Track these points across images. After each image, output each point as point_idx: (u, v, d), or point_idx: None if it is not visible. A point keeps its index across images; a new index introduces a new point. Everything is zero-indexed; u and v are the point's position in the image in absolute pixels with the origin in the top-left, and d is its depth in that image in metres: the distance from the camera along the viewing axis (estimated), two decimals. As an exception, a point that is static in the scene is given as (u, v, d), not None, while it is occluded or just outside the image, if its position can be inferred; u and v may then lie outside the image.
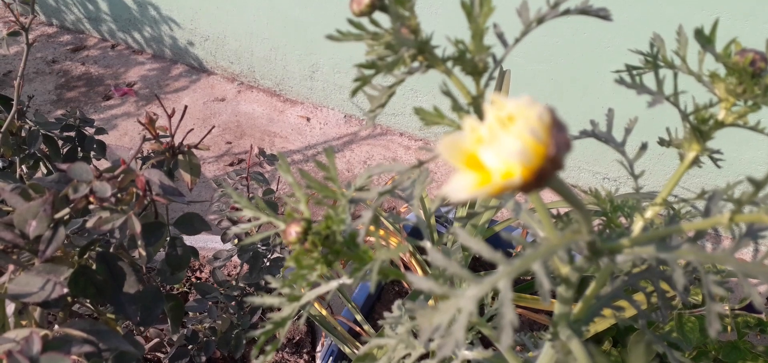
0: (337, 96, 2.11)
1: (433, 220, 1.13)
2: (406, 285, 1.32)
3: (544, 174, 0.21)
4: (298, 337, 1.34)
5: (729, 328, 0.95)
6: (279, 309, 0.42)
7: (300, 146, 2.02)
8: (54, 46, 2.54)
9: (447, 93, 0.33)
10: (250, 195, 1.06)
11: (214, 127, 0.83)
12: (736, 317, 0.96)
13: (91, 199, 0.47)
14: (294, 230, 0.38)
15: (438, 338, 0.30)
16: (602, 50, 1.47)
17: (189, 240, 1.31)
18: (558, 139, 0.21)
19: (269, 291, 1.03)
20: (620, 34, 1.42)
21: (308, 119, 2.14)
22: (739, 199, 0.28)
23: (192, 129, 0.68)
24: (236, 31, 2.15)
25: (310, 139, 2.05)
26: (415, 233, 1.30)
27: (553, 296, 0.58)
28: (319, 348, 1.27)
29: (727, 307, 0.95)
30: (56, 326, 0.52)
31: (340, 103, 2.13)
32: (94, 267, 0.56)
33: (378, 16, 0.36)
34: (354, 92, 0.36)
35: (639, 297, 0.91)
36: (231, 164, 1.95)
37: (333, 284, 0.42)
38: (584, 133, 0.45)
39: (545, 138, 0.21)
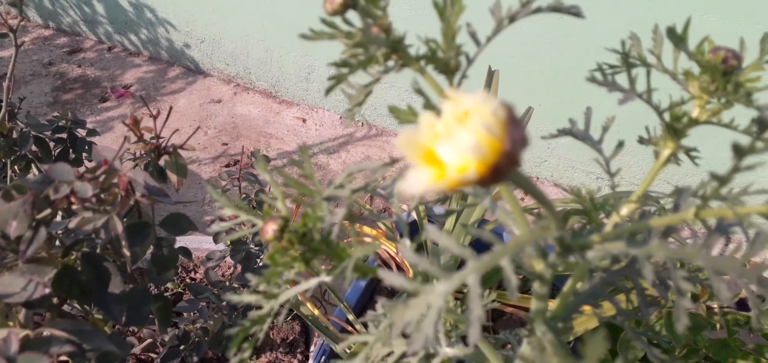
0: (332, 97, 2.11)
1: (424, 219, 1.13)
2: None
3: (500, 169, 0.21)
4: (291, 337, 1.34)
5: (718, 326, 0.95)
6: (259, 307, 0.42)
7: (296, 148, 2.02)
8: (50, 49, 2.54)
9: (419, 91, 0.34)
10: (243, 195, 1.06)
11: (199, 128, 0.83)
12: (725, 315, 0.96)
13: (73, 199, 0.47)
14: (271, 228, 0.39)
15: (411, 333, 0.30)
16: (593, 51, 1.47)
17: (183, 241, 1.32)
18: (514, 135, 0.21)
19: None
20: (611, 35, 1.42)
21: (304, 121, 2.14)
22: (704, 194, 0.28)
23: (178, 129, 0.68)
24: (232, 33, 2.15)
25: (306, 140, 2.05)
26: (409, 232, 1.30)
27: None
28: (312, 348, 1.28)
29: (716, 305, 0.95)
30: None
31: (335, 104, 2.13)
32: (79, 267, 0.56)
33: (353, 16, 0.36)
34: (328, 90, 0.36)
35: (621, 296, 0.91)
36: (227, 166, 1.95)
37: (312, 282, 0.42)
38: (562, 132, 0.45)
39: (500, 133, 0.21)
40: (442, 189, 0.22)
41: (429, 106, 0.35)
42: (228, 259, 1.09)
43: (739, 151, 0.24)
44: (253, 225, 0.45)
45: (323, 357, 1.11)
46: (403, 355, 0.51)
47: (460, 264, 1.21)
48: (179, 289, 1.42)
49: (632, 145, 1.62)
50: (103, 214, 0.49)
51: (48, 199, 0.47)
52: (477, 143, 0.21)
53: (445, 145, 0.21)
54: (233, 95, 2.27)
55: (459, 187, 0.22)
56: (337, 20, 0.35)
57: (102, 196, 0.50)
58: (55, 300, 0.57)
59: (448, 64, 0.34)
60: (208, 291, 1.00)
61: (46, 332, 0.49)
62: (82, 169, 0.53)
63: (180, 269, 1.47)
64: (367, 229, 1.29)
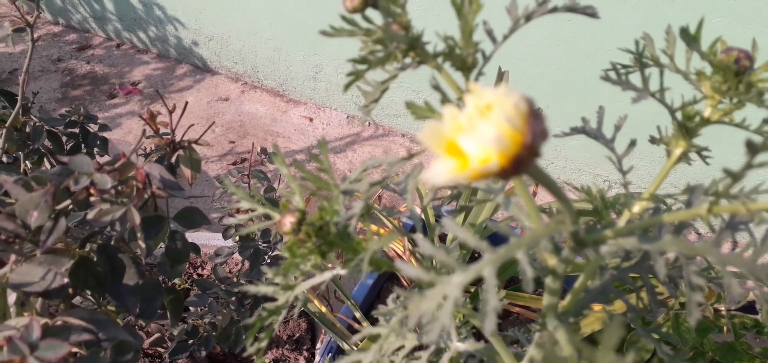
0: (340, 96, 2.12)
1: (432, 216, 1.14)
2: (405, 283, 1.33)
3: (521, 161, 0.22)
4: (298, 334, 1.35)
5: (725, 328, 0.95)
6: (274, 299, 0.43)
7: (303, 146, 2.03)
8: (60, 45, 2.56)
9: (436, 87, 0.34)
10: (251, 192, 1.07)
11: (213, 123, 0.84)
12: (732, 318, 0.96)
13: (92, 191, 0.48)
14: (288, 220, 0.39)
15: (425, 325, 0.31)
16: (604, 52, 1.48)
17: (191, 236, 1.33)
18: (534, 127, 0.22)
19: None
20: (619, 37, 1.43)
21: (311, 119, 2.15)
22: (717, 191, 0.29)
23: (192, 125, 0.69)
24: (240, 31, 2.17)
25: (312, 139, 2.06)
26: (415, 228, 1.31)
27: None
28: (318, 344, 1.28)
29: (723, 308, 0.95)
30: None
31: (342, 103, 2.14)
32: (95, 259, 0.57)
33: (372, 13, 0.37)
34: (347, 87, 0.37)
35: (631, 294, 0.92)
36: (234, 163, 1.96)
37: (327, 275, 0.43)
38: (575, 130, 0.46)
39: (522, 126, 0.22)
40: (465, 180, 0.22)
41: (446, 102, 0.36)
42: (235, 255, 1.09)
43: (752, 148, 0.25)
44: (267, 219, 0.46)
45: (330, 354, 1.12)
46: (415, 349, 0.52)
47: (469, 259, 1.21)
48: (186, 285, 1.43)
49: (640, 148, 1.62)
50: (120, 206, 0.50)
51: (68, 190, 0.48)
52: (499, 135, 0.21)
53: (467, 137, 0.22)
54: (241, 93, 2.28)
55: (481, 178, 0.22)
56: (357, 17, 0.36)
57: (120, 188, 0.51)
58: (71, 290, 0.58)
59: (465, 61, 0.34)
60: (216, 286, 1.01)
61: (63, 320, 0.49)
62: (98, 162, 0.53)
63: (188, 265, 1.48)
64: (373, 227, 1.30)
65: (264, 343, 0.39)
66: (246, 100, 2.25)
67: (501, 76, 1.02)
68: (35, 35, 0.79)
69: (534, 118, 0.22)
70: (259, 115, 2.17)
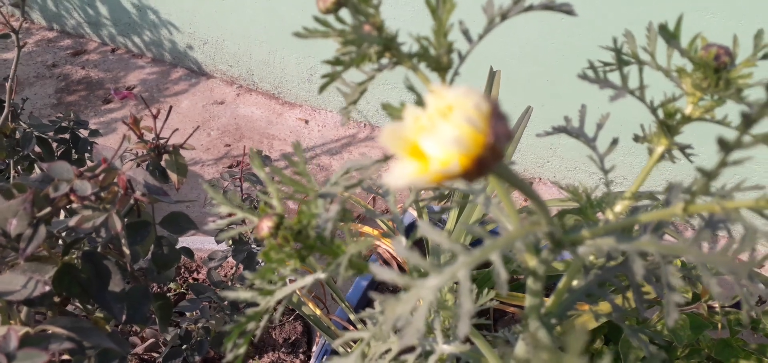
0: (335, 98, 2.12)
1: (426, 215, 1.13)
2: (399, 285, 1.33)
3: (484, 162, 0.22)
4: (294, 337, 1.35)
5: (720, 325, 0.95)
6: (256, 304, 0.42)
7: (298, 148, 2.03)
8: (54, 51, 2.55)
9: (411, 88, 0.34)
10: (245, 195, 1.06)
11: (198, 126, 0.84)
12: (727, 314, 0.96)
13: (72, 197, 0.48)
14: (266, 225, 0.39)
15: (402, 328, 0.31)
16: (595, 51, 1.47)
17: (185, 241, 1.32)
18: (497, 128, 0.22)
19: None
20: (613, 35, 1.42)
21: (307, 122, 2.15)
22: (692, 190, 0.28)
23: (177, 129, 0.69)
24: (235, 34, 2.16)
25: (308, 141, 2.06)
26: (409, 230, 1.30)
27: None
28: (314, 347, 1.28)
29: (718, 305, 0.95)
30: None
31: (338, 105, 2.13)
32: (79, 266, 0.57)
33: (347, 14, 0.37)
34: (322, 88, 0.37)
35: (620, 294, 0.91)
36: (229, 167, 1.96)
37: (308, 279, 0.43)
38: (556, 129, 0.45)
39: (483, 127, 0.21)
40: (426, 182, 0.22)
41: (421, 103, 0.35)
42: (230, 259, 1.09)
43: (725, 146, 0.24)
44: (251, 222, 0.46)
45: (325, 357, 1.12)
46: (402, 352, 0.52)
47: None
48: (182, 289, 1.43)
49: (636, 146, 1.62)
50: (102, 212, 0.49)
51: (48, 197, 0.47)
52: (459, 136, 0.21)
53: (428, 138, 0.22)
54: (236, 96, 2.28)
55: (443, 180, 0.22)
56: (331, 19, 0.35)
57: (101, 194, 0.50)
58: (56, 298, 0.57)
59: (439, 61, 0.34)
60: (209, 290, 1.00)
61: (45, 329, 0.49)
62: (81, 168, 0.53)
63: (183, 269, 1.48)
64: (367, 229, 1.29)
65: (242, 349, 0.39)
66: (241, 104, 2.24)
67: (492, 77, 1.01)
68: (29, 41, 0.79)
69: (496, 118, 0.22)
70: (255, 118, 2.17)
